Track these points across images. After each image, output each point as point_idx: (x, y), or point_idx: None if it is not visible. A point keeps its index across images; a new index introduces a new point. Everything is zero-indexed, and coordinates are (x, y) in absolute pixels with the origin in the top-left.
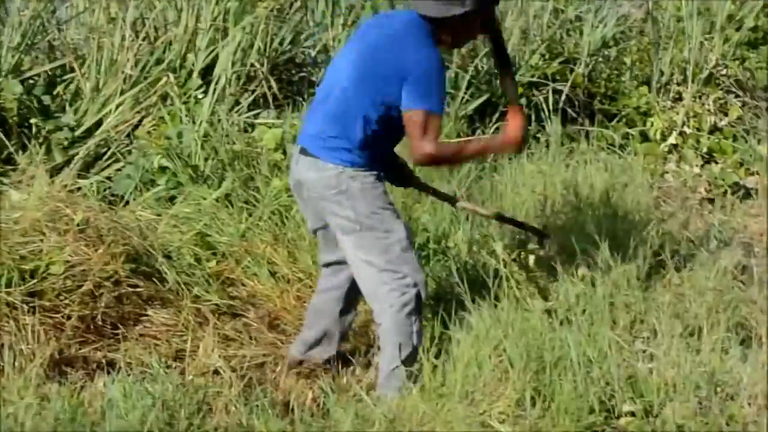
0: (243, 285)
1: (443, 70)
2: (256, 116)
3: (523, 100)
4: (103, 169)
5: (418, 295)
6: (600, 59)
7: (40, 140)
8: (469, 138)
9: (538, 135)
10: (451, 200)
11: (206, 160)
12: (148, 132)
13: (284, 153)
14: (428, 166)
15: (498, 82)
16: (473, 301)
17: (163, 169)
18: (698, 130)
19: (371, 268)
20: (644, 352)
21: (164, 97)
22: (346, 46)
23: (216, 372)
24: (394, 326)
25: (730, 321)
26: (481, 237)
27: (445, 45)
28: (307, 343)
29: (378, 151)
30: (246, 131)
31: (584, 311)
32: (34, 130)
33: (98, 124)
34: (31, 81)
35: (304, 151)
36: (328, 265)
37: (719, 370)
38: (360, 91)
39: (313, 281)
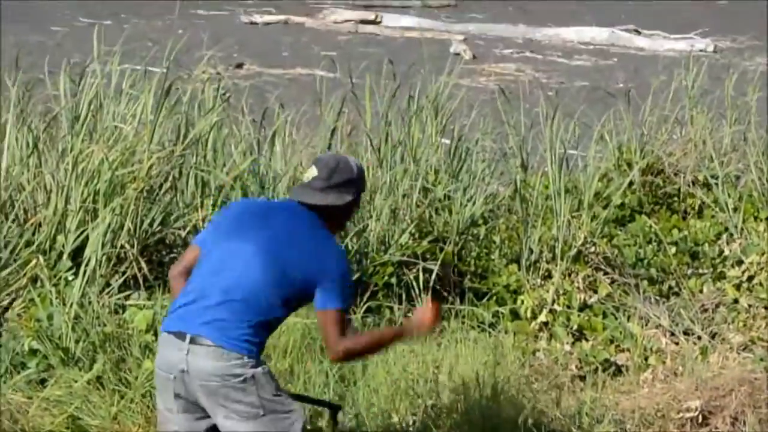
0: None
1: (349, 264)
2: (126, 298)
3: (394, 279)
4: None
5: None
6: (470, 237)
7: None
8: (380, 329)
9: (409, 314)
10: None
11: (77, 342)
12: (18, 314)
13: (155, 334)
14: (348, 360)
15: None
16: None
17: (33, 351)
18: (568, 307)
19: None
20: None
21: (34, 279)
22: (230, 232)
23: None
24: None
25: None
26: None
27: (331, 232)
28: None
29: (266, 338)
30: (117, 312)
31: None
32: None
33: None
34: None
35: (196, 340)
36: None
37: None
38: (268, 285)
39: None
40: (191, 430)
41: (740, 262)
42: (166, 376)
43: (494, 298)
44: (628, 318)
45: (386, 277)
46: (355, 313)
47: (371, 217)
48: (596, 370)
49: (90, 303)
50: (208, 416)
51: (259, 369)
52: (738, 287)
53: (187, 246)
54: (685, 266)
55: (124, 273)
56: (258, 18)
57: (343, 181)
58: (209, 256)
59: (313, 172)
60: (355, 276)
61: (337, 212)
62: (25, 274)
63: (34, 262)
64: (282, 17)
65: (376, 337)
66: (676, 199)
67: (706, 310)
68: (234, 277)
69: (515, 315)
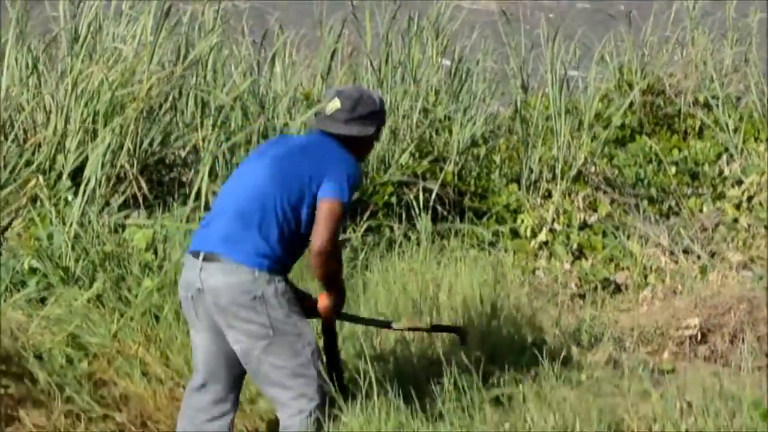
0: (115, 385)
1: (361, 173)
2: (126, 217)
3: (394, 199)
4: None
5: (324, 400)
6: (470, 158)
7: None
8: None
9: (409, 234)
10: (385, 324)
11: (77, 261)
12: (18, 234)
13: (155, 253)
14: (319, 258)
15: None
16: (344, 398)
17: (33, 270)
18: (568, 226)
19: (281, 372)
20: None
21: (34, 199)
22: (250, 160)
23: None
24: (304, 430)
25: (602, 415)
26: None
27: None
28: None
29: (290, 255)
30: (116, 232)
31: (457, 407)
32: None
33: None
34: None
35: (209, 257)
36: (206, 387)
37: None
38: (277, 188)
39: (185, 381)
40: (215, 350)
41: (740, 182)
42: (184, 296)
43: (494, 217)
44: (628, 237)
45: (386, 197)
46: (355, 232)
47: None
48: (596, 288)
49: (90, 222)
50: None
51: (271, 287)
52: (738, 207)
53: (186, 165)
54: (685, 186)
55: (123, 192)
56: None
57: (367, 113)
58: (228, 181)
59: (335, 104)
60: (356, 196)
61: (358, 144)
62: (24, 194)
63: (33, 181)
64: None
65: (340, 275)
66: (676, 119)
67: (705, 230)
68: (245, 191)
69: (515, 234)
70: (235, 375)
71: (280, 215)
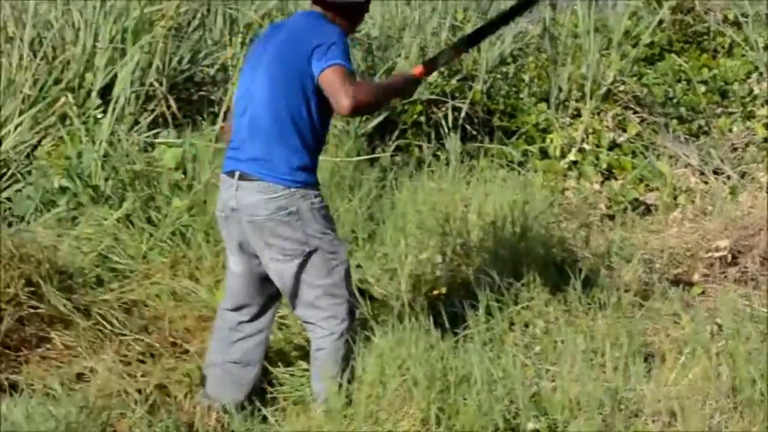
0: (145, 306)
1: (347, 42)
2: (155, 136)
3: (423, 118)
4: (2, 190)
5: (353, 321)
6: (498, 76)
7: None
8: (383, 81)
9: (438, 153)
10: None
11: (106, 180)
12: (48, 152)
13: (184, 173)
14: (359, 110)
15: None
16: (376, 320)
17: (63, 189)
18: (597, 146)
19: (314, 291)
20: (547, 371)
21: (63, 117)
22: (249, 65)
23: (119, 394)
24: (335, 351)
25: (632, 338)
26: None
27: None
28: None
29: (315, 157)
30: (146, 151)
31: (488, 330)
32: None
33: None
34: None
35: (244, 177)
36: (239, 308)
37: (622, 388)
38: (283, 97)
39: (215, 303)
40: (248, 273)
41: None
42: (219, 215)
43: (523, 136)
44: (658, 157)
45: (415, 116)
46: (383, 152)
47: (399, 55)
48: (625, 209)
49: (119, 141)
50: None
51: (306, 202)
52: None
53: (215, 84)
54: (715, 105)
55: (152, 111)
56: None
57: None
58: (238, 94)
59: None
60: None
61: (349, 11)
62: (53, 112)
63: (63, 99)
64: None
65: (383, 84)
66: (706, 37)
67: (735, 149)
68: (251, 105)
69: (544, 154)
70: (268, 295)
71: (295, 119)
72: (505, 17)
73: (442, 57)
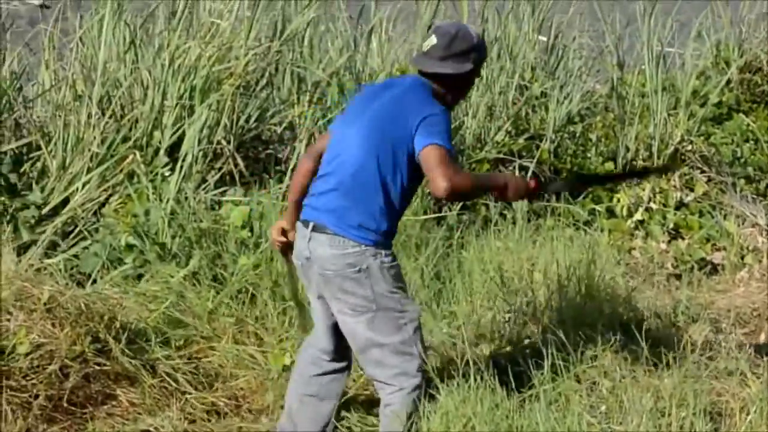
0: (210, 364)
1: (450, 121)
2: (222, 194)
3: None
4: (70, 247)
5: (423, 379)
6: (566, 135)
7: (7, 218)
8: (487, 174)
9: (505, 212)
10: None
11: (173, 237)
12: (115, 210)
13: (251, 231)
14: (456, 195)
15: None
16: (441, 379)
17: (130, 246)
18: (664, 205)
19: (383, 350)
20: (614, 430)
21: (131, 175)
22: (349, 111)
23: None
24: (403, 408)
25: (698, 397)
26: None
27: (446, 104)
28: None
29: (395, 222)
30: (213, 209)
31: (554, 389)
32: (0, 208)
33: (65, 202)
34: None
35: (318, 228)
36: (320, 347)
37: None
38: (374, 159)
39: (278, 364)
40: (329, 318)
41: None
42: (296, 263)
43: (590, 196)
44: (725, 216)
45: None
46: (450, 211)
47: (467, 114)
48: (692, 268)
49: (186, 199)
50: None
51: (377, 261)
52: None
53: (282, 142)
54: None
55: (220, 169)
56: None
57: (463, 49)
58: (330, 144)
59: (432, 40)
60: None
61: (456, 81)
62: (121, 170)
63: (131, 157)
64: None
65: (484, 177)
66: None
67: None
68: (342, 161)
69: (611, 213)
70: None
71: (381, 185)
72: (631, 174)
73: (557, 185)
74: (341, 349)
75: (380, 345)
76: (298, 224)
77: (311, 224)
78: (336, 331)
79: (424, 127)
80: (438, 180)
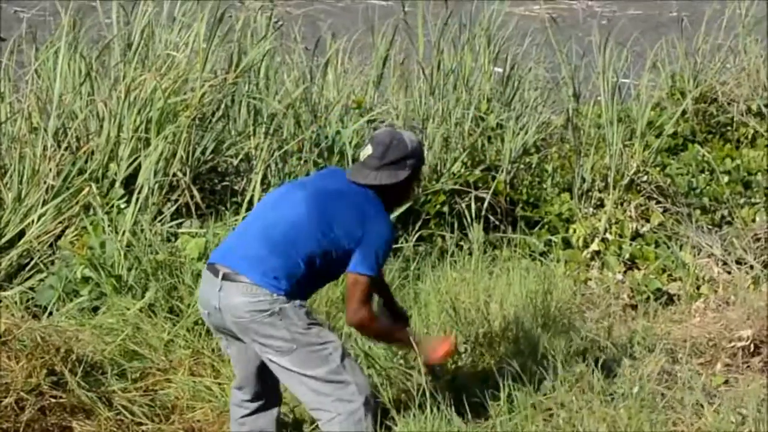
0: (167, 396)
1: (394, 239)
2: (179, 225)
3: (446, 208)
4: (25, 280)
5: (366, 402)
6: (522, 166)
7: None
8: (400, 328)
9: (461, 243)
10: None
11: (129, 270)
12: (71, 242)
13: None
14: (360, 330)
15: None
16: (397, 410)
17: (86, 279)
18: (620, 236)
19: (314, 382)
20: None
21: (87, 207)
22: (289, 186)
23: None
24: None
25: (654, 428)
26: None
27: (387, 210)
28: None
29: (309, 289)
30: (169, 241)
31: (510, 419)
32: None
33: (21, 234)
34: None
35: (229, 276)
36: (241, 387)
37: None
38: (312, 227)
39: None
40: (246, 359)
41: None
42: (203, 312)
43: (546, 226)
44: (681, 247)
45: (438, 206)
46: (407, 242)
47: (424, 145)
48: (648, 299)
49: (142, 231)
50: None
51: (289, 304)
52: None
53: (238, 174)
54: (738, 195)
55: (176, 201)
56: None
57: (398, 158)
58: (264, 202)
59: (368, 150)
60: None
61: (392, 190)
62: (77, 202)
63: (86, 189)
64: None
65: (391, 330)
66: (729, 128)
67: (758, 239)
68: (278, 219)
69: (567, 244)
70: (267, 379)
71: (309, 254)
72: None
73: (435, 370)
74: (262, 386)
75: (312, 377)
76: (206, 272)
77: (221, 272)
78: (254, 368)
79: (369, 250)
80: (351, 311)
